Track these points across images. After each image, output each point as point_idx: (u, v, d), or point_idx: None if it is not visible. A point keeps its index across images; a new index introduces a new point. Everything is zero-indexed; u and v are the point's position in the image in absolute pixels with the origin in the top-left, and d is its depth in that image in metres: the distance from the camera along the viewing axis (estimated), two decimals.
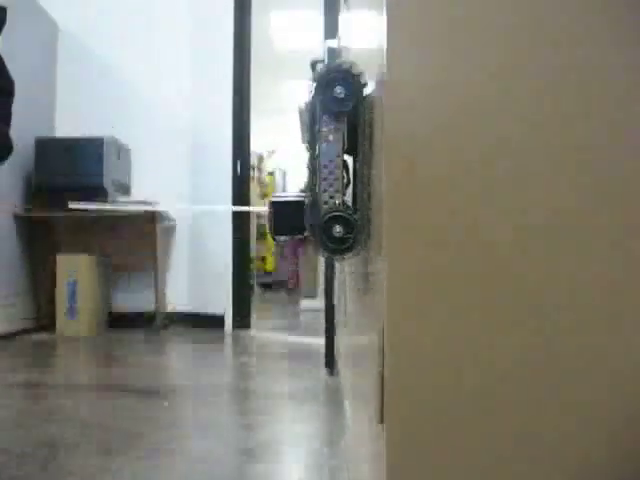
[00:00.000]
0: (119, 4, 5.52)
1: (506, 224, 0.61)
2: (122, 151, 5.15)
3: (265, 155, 10.24)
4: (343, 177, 0.78)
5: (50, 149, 4.88)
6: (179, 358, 4.28)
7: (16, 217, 4.74)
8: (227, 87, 5.18)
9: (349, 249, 0.77)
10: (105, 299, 5.06)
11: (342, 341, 2.57)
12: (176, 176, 5.41)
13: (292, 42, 8.32)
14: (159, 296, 5.02)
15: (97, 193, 4.79)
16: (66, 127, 5.29)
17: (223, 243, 5.16)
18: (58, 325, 4.67)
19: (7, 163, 2.59)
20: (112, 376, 3.48)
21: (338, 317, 2.90)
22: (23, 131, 4.66)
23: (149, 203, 4.97)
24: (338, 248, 0.77)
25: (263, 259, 9.99)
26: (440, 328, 0.61)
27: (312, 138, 0.79)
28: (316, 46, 7.75)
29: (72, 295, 4.67)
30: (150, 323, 4.94)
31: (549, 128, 0.61)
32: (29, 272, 4.88)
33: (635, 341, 0.59)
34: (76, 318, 4.66)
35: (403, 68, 0.63)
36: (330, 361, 3.29)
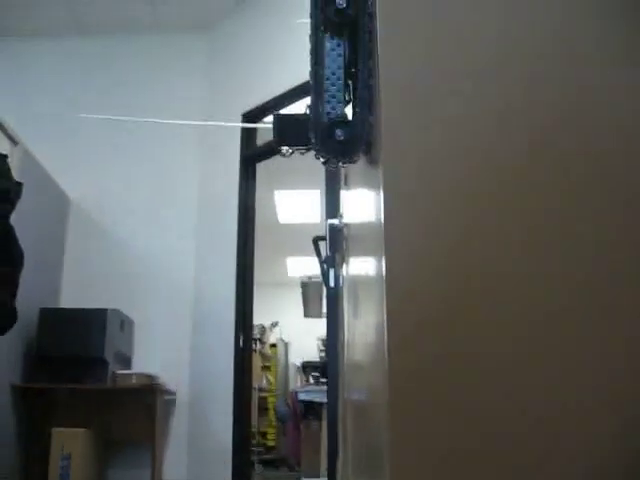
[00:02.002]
0: (128, 180, 5.76)
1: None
2: (125, 323, 5.17)
3: (267, 327, 10.25)
4: (345, 89, 0.80)
5: (54, 319, 4.89)
6: None
7: (14, 388, 4.67)
8: (231, 261, 5.27)
9: (350, 152, 0.78)
10: (99, 474, 4.88)
11: None
12: (178, 348, 5.40)
13: (295, 217, 8.57)
14: (156, 472, 4.84)
15: (98, 365, 4.76)
16: (71, 298, 5.35)
17: (224, 419, 5.04)
18: None
19: (9, 332, 2.60)
20: None
21: None
22: (28, 300, 4.70)
23: (150, 376, 4.93)
24: (340, 151, 0.79)
25: (264, 434, 9.72)
26: None
27: (315, 53, 0.81)
28: (319, 221, 7.99)
29: (65, 469, 4.50)
30: None
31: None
32: (23, 446, 4.74)
33: None
34: None
35: (402, 244, 0.65)
36: None
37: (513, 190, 0.64)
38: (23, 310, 4.63)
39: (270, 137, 5.35)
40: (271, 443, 9.76)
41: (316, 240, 3.14)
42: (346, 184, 2.07)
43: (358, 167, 1.06)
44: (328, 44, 0.80)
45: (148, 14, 5.99)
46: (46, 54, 6.18)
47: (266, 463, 9.42)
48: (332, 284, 2.93)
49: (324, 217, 4.49)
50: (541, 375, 0.61)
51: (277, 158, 5.42)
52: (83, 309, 4.93)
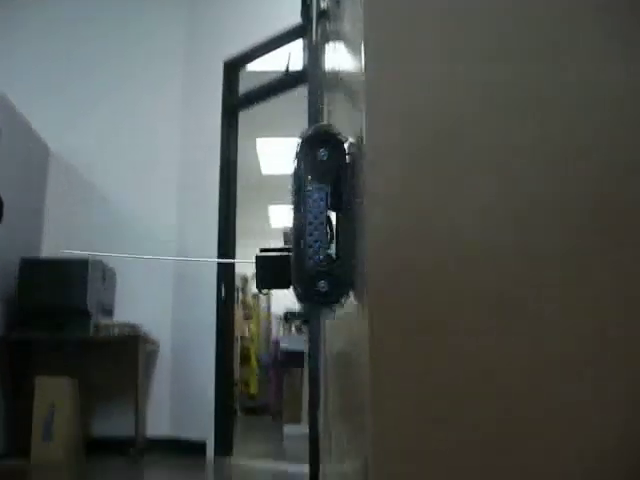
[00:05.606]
0: (109, 131, 5.69)
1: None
2: (107, 273, 5.15)
3: (249, 277, 10.27)
4: (327, 233, 0.81)
5: (35, 270, 4.87)
6: None
7: None
8: (213, 211, 5.25)
9: (333, 302, 0.79)
10: (83, 423, 4.92)
11: (327, 469, 2.49)
12: (160, 299, 5.40)
13: (278, 167, 8.54)
14: (139, 421, 4.89)
15: (80, 315, 4.76)
16: (52, 248, 5.32)
17: (206, 367, 5.08)
18: (33, 449, 4.51)
19: None
20: None
21: (323, 444, 2.83)
22: (9, 251, 4.68)
23: (133, 326, 4.95)
24: (323, 303, 0.78)
25: (246, 383, 9.82)
26: (426, 464, 0.60)
27: (297, 196, 0.82)
28: None
29: (49, 417, 4.54)
30: (128, 449, 4.78)
31: None
32: (5, 395, 4.75)
33: None
34: (52, 442, 4.51)
35: (382, 191, 0.64)
36: None
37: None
38: (4, 261, 4.64)
39: (252, 85, 5.30)
40: (253, 391, 9.87)
41: None
42: None
43: (340, 106, 1.05)
44: (311, 188, 0.81)
45: None
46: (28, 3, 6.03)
47: (248, 411, 9.56)
48: None
49: None
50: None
51: (259, 106, 5.37)
52: (64, 259, 4.90)
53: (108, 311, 5.20)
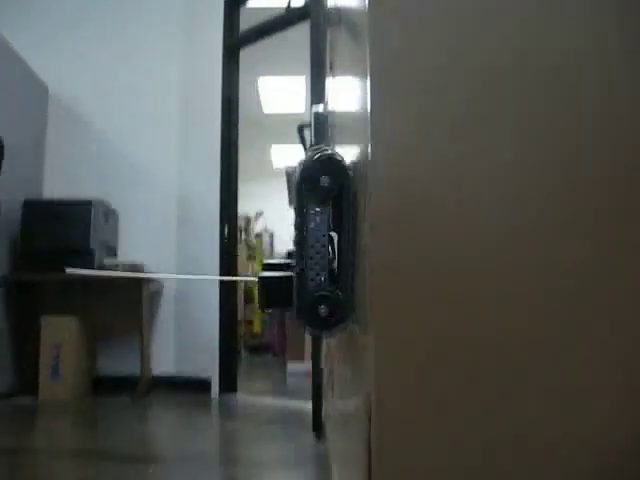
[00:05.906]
0: (109, 69, 5.61)
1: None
2: (110, 214, 5.16)
3: (253, 217, 10.28)
4: (329, 255, 0.81)
5: (37, 211, 4.88)
6: (165, 424, 4.20)
7: (0, 279, 4.70)
8: (215, 151, 5.22)
9: (334, 327, 0.79)
10: (89, 362, 5.00)
11: (329, 405, 2.54)
12: (163, 238, 5.41)
13: (279, 106, 8.46)
14: (144, 360, 4.95)
15: (84, 255, 4.78)
16: (54, 189, 5.31)
17: (210, 307, 5.12)
18: (41, 389, 4.59)
19: None
20: (96, 442, 3.40)
21: (325, 380, 2.87)
22: (10, 193, 4.67)
23: (137, 266, 4.97)
24: (323, 326, 0.80)
25: (250, 322, 9.92)
26: (428, 396, 0.61)
27: (300, 219, 0.82)
28: (303, 110, 7.88)
29: (56, 357, 4.61)
30: (134, 388, 4.86)
31: None
32: (12, 335, 4.81)
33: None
34: (59, 381, 4.59)
35: (386, 133, 0.64)
36: (317, 425, 3.24)
37: None
38: (5, 202, 4.64)
39: (253, 22, 5.21)
40: (257, 330, 9.98)
41: (301, 128, 3.10)
42: (331, 70, 2.03)
43: (343, 53, 1.03)
44: (313, 212, 0.80)
45: None
46: None
47: (252, 349, 9.69)
48: None
49: (309, 105, 4.43)
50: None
51: (261, 44, 5.29)
52: (68, 200, 4.92)
53: (112, 252, 5.22)
